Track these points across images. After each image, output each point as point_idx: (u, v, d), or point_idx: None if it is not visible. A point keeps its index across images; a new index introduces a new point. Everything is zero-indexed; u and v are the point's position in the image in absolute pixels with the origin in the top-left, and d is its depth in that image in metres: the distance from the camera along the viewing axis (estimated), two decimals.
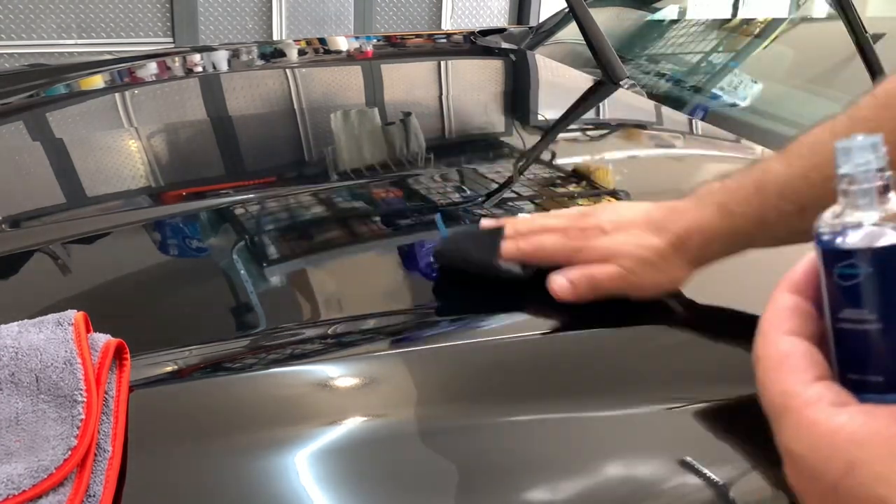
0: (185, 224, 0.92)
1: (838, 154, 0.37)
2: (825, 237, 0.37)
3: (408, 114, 1.33)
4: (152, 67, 1.58)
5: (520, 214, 0.84)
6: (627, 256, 0.69)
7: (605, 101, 1.46)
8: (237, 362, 0.65)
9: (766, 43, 1.62)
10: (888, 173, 0.36)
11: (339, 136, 1.25)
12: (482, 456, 0.56)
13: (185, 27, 4.06)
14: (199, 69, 1.63)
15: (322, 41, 1.99)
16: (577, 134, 1.34)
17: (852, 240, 0.35)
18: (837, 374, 0.37)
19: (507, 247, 0.73)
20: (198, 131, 1.29)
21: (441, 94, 1.55)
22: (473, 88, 1.60)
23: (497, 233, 0.75)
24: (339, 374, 0.63)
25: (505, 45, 1.87)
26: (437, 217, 0.92)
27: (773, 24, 1.65)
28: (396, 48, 1.89)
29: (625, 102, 1.43)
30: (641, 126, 1.39)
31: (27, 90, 1.41)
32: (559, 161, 1.17)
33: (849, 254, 0.35)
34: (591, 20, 1.47)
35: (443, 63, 1.77)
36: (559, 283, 0.70)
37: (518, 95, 1.58)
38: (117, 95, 1.45)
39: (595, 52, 1.47)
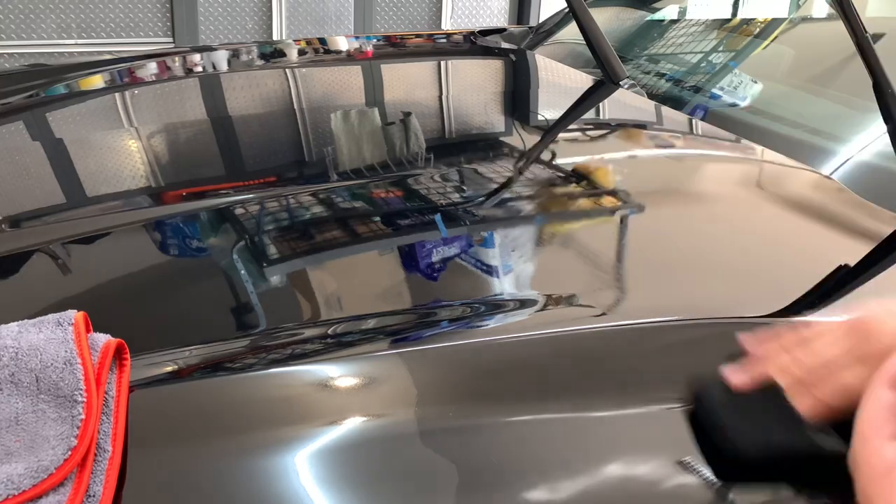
0: (185, 224, 0.92)
1: None
2: None
3: (408, 114, 1.33)
4: (152, 67, 1.58)
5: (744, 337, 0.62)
6: None
7: (605, 101, 1.46)
8: (237, 362, 0.65)
9: (766, 43, 1.62)
10: None
11: (339, 136, 1.25)
12: (482, 456, 0.56)
13: (185, 27, 4.06)
14: (199, 69, 1.63)
15: (322, 41, 1.99)
16: (577, 134, 1.34)
17: None
18: None
19: (805, 404, 0.54)
20: (198, 131, 1.29)
21: (441, 94, 1.55)
22: (473, 88, 1.60)
23: (782, 398, 0.54)
24: (339, 374, 0.63)
25: (505, 45, 1.87)
26: (438, 217, 0.92)
27: (772, 24, 1.65)
28: (396, 48, 1.89)
29: (625, 102, 1.43)
30: (641, 126, 1.39)
31: (27, 90, 1.41)
32: (559, 161, 1.17)
33: None
34: (591, 20, 1.48)
35: (443, 63, 1.77)
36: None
37: (518, 95, 1.58)
38: (117, 95, 1.45)
39: (595, 52, 1.47)
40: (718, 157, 1.27)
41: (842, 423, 0.51)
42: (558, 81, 1.62)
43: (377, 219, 0.93)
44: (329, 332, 0.70)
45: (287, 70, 1.65)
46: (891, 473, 0.33)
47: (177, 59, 1.68)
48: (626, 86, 1.45)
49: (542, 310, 0.76)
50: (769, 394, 0.54)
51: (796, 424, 0.52)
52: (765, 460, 0.53)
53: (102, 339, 0.58)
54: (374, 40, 1.97)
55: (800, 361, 0.57)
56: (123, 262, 0.83)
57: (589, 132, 1.36)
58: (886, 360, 0.35)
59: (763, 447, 0.53)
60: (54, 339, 0.56)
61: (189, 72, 1.62)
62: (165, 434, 0.56)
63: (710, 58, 1.66)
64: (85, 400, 0.53)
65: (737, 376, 0.59)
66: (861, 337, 0.55)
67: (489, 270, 0.84)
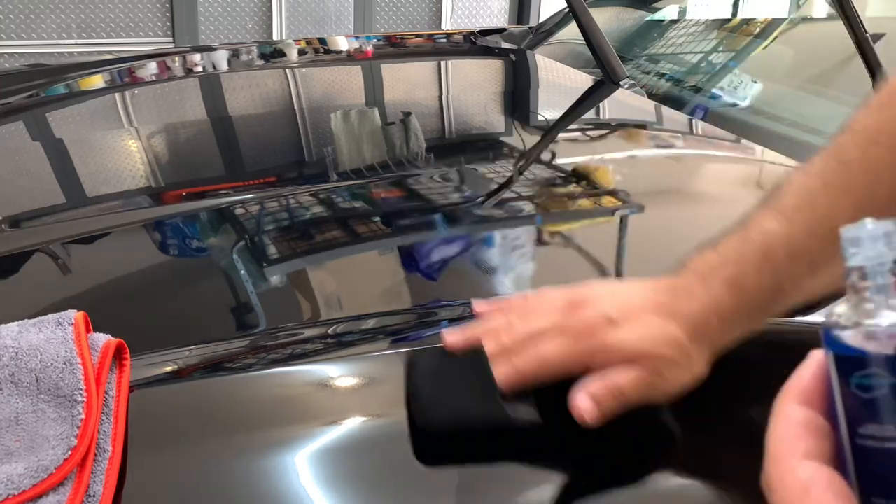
0: (185, 224, 0.92)
1: (845, 244, 0.32)
2: (837, 341, 0.31)
3: (408, 114, 1.33)
4: (152, 67, 1.58)
5: (477, 303, 0.65)
6: (653, 357, 0.57)
7: (605, 101, 1.46)
8: (237, 362, 0.65)
9: (766, 43, 1.62)
10: None
11: (339, 136, 1.25)
12: (482, 456, 0.56)
13: (185, 27, 4.06)
14: (199, 69, 1.63)
15: (322, 41, 1.99)
16: (577, 134, 1.34)
17: (871, 345, 0.30)
18: (858, 497, 0.32)
19: (503, 373, 0.57)
20: (198, 131, 1.29)
21: (441, 94, 1.55)
22: (473, 88, 1.60)
23: (478, 357, 0.56)
24: (339, 374, 0.63)
25: (505, 45, 1.87)
26: (438, 217, 0.92)
27: (772, 24, 1.65)
28: (396, 48, 1.89)
29: (625, 102, 1.43)
30: (641, 126, 1.39)
31: (27, 90, 1.41)
32: (559, 161, 1.17)
33: (866, 361, 0.30)
34: (591, 20, 1.48)
35: (443, 63, 1.77)
36: (584, 404, 0.56)
37: (518, 95, 1.58)
38: (117, 95, 1.45)
39: (595, 52, 1.47)
40: (718, 157, 1.27)
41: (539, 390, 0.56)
42: (558, 81, 1.62)
43: (377, 219, 0.93)
44: (329, 332, 0.70)
45: (287, 70, 1.65)
46: (808, 493, 0.32)
47: (177, 59, 1.68)
48: (626, 86, 1.45)
49: None
50: (473, 359, 0.56)
51: (487, 391, 0.54)
52: (449, 421, 0.55)
53: (102, 339, 0.58)
54: (374, 40, 1.97)
55: (511, 328, 0.59)
56: (123, 263, 0.83)
57: (589, 132, 1.36)
58: (792, 375, 0.34)
59: (449, 411, 0.55)
60: (54, 338, 0.56)
61: (189, 72, 1.62)
62: (165, 434, 0.56)
63: (710, 58, 1.66)
64: (85, 400, 0.53)
65: (450, 337, 0.60)
66: (571, 310, 0.59)
67: (489, 270, 0.84)
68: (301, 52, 1.77)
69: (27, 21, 3.83)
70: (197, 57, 1.70)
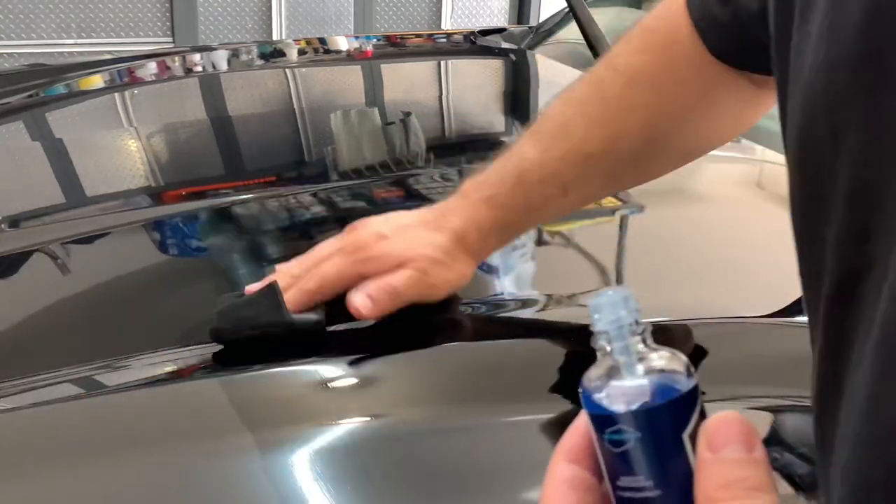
0: (184, 224, 0.92)
1: (591, 311, 0.34)
2: (588, 400, 0.33)
3: (408, 114, 1.33)
4: (152, 67, 1.58)
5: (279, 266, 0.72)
6: (418, 259, 0.66)
7: None
8: (237, 362, 0.65)
9: None
10: (642, 326, 0.33)
11: (339, 136, 1.25)
12: (482, 456, 0.56)
13: (185, 27, 4.06)
14: (199, 69, 1.63)
15: (322, 41, 1.99)
16: None
17: (615, 403, 0.32)
18: None
19: (291, 295, 0.65)
20: (198, 131, 1.29)
21: (441, 94, 1.55)
22: (473, 88, 1.60)
23: (272, 289, 0.65)
24: (339, 374, 0.63)
25: (505, 45, 1.87)
26: None
27: None
28: (396, 48, 1.89)
29: None
30: None
31: (27, 90, 1.41)
32: None
33: (613, 419, 0.32)
34: (591, 20, 1.47)
35: (443, 63, 1.77)
36: (360, 301, 0.65)
37: (518, 95, 1.58)
38: (117, 95, 1.45)
39: (595, 52, 1.47)
40: (718, 156, 1.27)
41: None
42: (558, 81, 1.61)
43: None
44: (329, 332, 0.70)
45: (287, 70, 1.65)
46: None
47: (177, 59, 1.68)
48: None
49: (542, 310, 0.76)
50: (267, 291, 0.65)
51: (276, 310, 0.64)
52: (256, 330, 0.64)
53: None
54: (374, 40, 1.97)
55: (300, 263, 0.69)
56: (123, 262, 0.83)
57: None
58: (564, 434, 0.35)
59: (258, 325, 0.64)
60: None
61: (189, 72, 1.62)
62: (165, 434, 0.56)
63: None
64: None
65: (250, 287, 0.68)
66: (347, 233, 0.69)
67: (490, 270, 0.84)
68: (301, 52, 1.77)
69: (26, 21, 3.83)
70: (197, 57, 1.70)
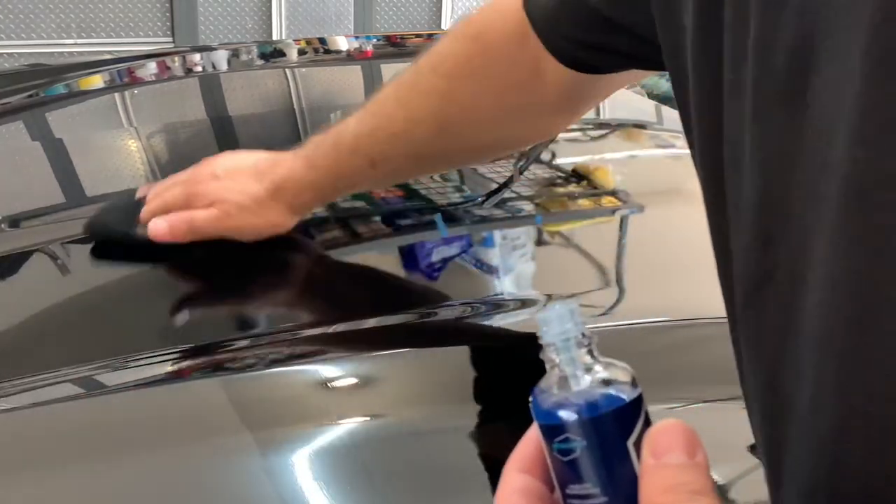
0: None
1: (539, 324, 0.35)
2: (538, 410, 0.35)
3: None
4: (152, 67, 1.58)
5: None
6: (228, 202, 0.75)
7: (605, 100, 1.45)
8: (237, 362, 0.65)
9: None
10: (588, 338, 0.35)
11: None
12: (482, 456, 0.56)
13: (185, 27, 4.06)
14: (199, 69, 1.62)
15: (322, 41, 1.98)
16: (578, 134, 1.33)
17: (562, 413, 0.33)
18: None
19: (143, 211, 0.78)
20: (198, 131, 1.29)
21: None
22: None
23: (142, 203, 0.79)
24: (339, 374, 0.63)
25: None
26: (438, 217, 0.92)
27: None
28: (396, 48, 1.89)
29: (625, 102, 1.43)
30: (641, 126, 1.39)
31: (27, 90, 1.41)
32: (559, 161, 1.17)
33: (561, 428, 0.33)
34: None
35: None
36: (157, 224, 0.75)
37: None
38: (117, 95, 1.44)
39: None
40: None
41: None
42: None
43: (377, 219, 0.93)
44: (329, 332, 0.70)
45: (287, 70, 1.65)
46: None
47: (177, 59, 1.68)
48: (626, 86, 1.44)
49: (542, 310, 0.76)
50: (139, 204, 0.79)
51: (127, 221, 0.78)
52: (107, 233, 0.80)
53: None
54: (374, 40, 1.97)
55: (161, 186, 0.80)
56: (123, 262, 0.83)
57: (589, 132, 1.36)
58: (517, 445, 0.37)
59: (110, 230, 0.80)
60: None
61: (189, 72, 1.62)
62: (166, 434, 0.56)
63: None
64: None
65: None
66: (196, 167, 0.80)
67: (489, 270, 0.84)
68: (301, 52, 1.77)
69: (26, 21, 3.83)
70: (197, 57, 1.69)
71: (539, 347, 0.35)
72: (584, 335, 0.35)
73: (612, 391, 0.34)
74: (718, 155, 0.39)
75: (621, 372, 0.35)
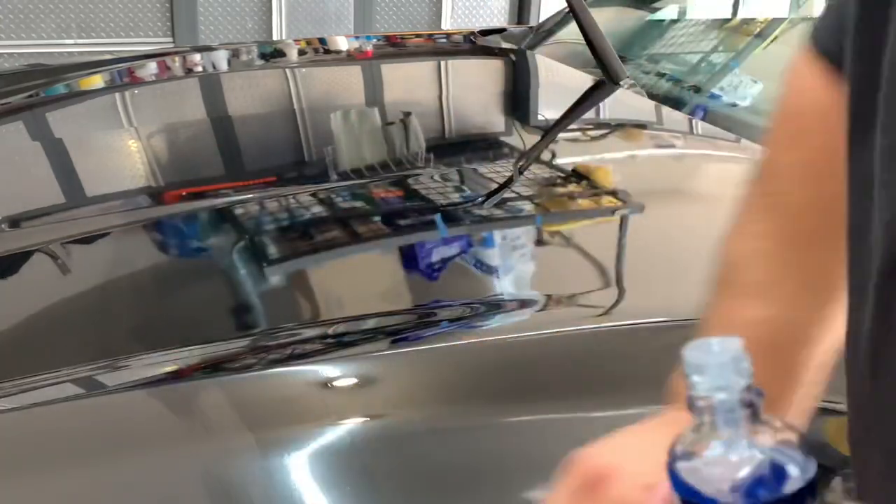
0: (184, 224, 0.92)
1: (687, 366, 0.27)
2: (679, 483, 0.28)
3: (408, 114, 1.33)
4: (152, 67, 1.58)
5: None
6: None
7: (606, 101, 1.45)
8: (237, 362, 0.65)
9: (766, 43, 1.62)
10: (757, 393, 0.26)
11: (339, 136, 1.25)
12: (482, 456, 0.56)
13: (185, 27, 4.06)
14: (199, 69, 1.62)
15: (322, 41, 1.98)
16: (578, 134, 1.33)
17: (719, 491, 0.26)
18: None
19: None
20: (198, 131, 1.29)
21: (441, 94, 1.55)
22: (473, 88, 1.60)
23: None
24: (339, 374, 0.63)
25: (505, 45, 1.87)
26: (438, 217, 0.92)
27: (773, 23, 1.65)
28: (396, 48, 1.89)
29: (625, 102, 1.43)
30: (641, 126, 1.39)
31: (27, 90, 1.41)
32: (559, 161, 1.17)
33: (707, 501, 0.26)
34: (591, 20, 1.47)
35: (443, 63, 1.77)
36: None
37: (518, 95, 1.58)
38: (117, 95, 1.44)
39: (595, 52, 1.47)
40: (718, 157, 1.27)
41: None
42: (558, 81, 1.61)
43: (377, 219, 0.93)
44: (329, 332, 0.70)
45: (287, 70, 1.65)
46: None
47: (177, 59, 1.68)
48: (626, 86, 1.45)
49: (542, 310, 0.76)
50: None
51: None
52: None
53: None
54: (374, 40, 1.97)
55: None
56: (123, 263, 0.83)
57: (589, 132, 1.36)
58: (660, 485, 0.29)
59: None
60: None
61: (189, 72, 1.62)
62: (165, 434, 0.56)
63: (710, 58, 1.66)
64: None
65: None
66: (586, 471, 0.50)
67: (489, 270, 0.84)
68: (301, 52, 1.77)
69: (26, 21, 3.83)
70: (197, 57, 1.69)
71: (686, 389, 0.27)
72: (749, 388, 0.26)
73: (783, 466, 0.26)
74: None
75: (793, 437, 0.27)
